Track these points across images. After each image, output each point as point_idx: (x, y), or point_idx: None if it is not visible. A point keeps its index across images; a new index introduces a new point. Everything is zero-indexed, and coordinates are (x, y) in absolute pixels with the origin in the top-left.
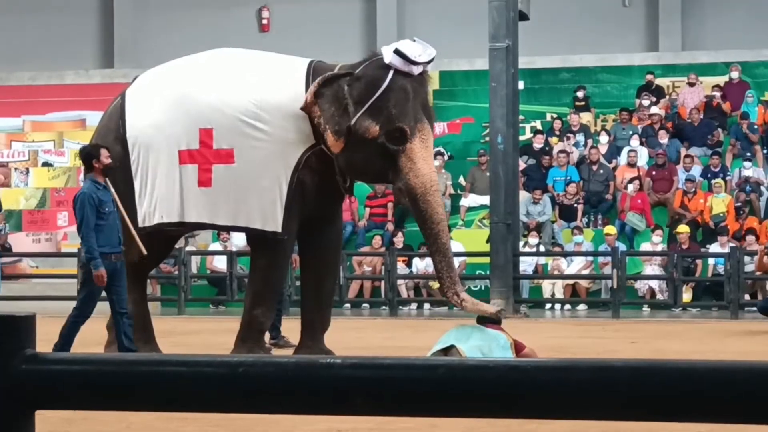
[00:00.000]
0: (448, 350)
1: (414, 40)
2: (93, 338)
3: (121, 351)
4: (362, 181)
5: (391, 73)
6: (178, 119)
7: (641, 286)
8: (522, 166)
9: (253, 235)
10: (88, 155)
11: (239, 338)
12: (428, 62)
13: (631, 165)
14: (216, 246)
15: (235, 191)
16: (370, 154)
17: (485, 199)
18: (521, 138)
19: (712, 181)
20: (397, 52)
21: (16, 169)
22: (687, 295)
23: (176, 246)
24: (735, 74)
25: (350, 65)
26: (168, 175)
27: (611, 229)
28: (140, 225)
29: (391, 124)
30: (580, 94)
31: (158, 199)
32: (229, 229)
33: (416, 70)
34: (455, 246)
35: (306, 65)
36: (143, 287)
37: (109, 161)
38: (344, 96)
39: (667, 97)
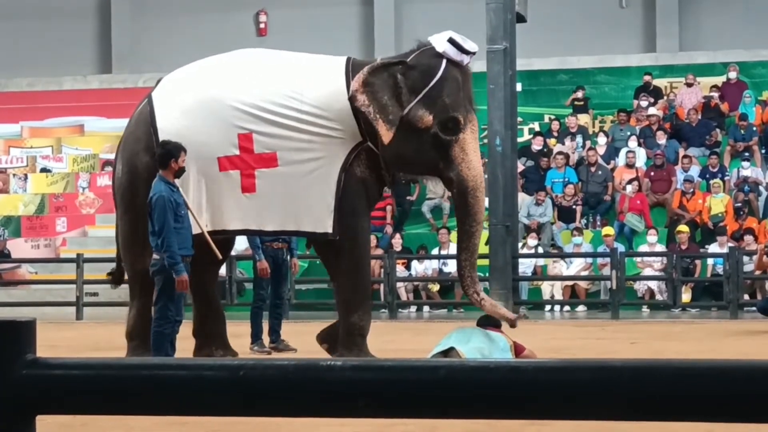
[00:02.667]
0: (447, 352)
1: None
2: (85, 343)
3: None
4: (409, 174)
5: (444, 62)
6: (214, 125)
7: (640, 286)
8: (520, 168)
9: (324, 241)
10: (167, 153)
11: (343, 347)
12: (473, 53)
13: (630, 166)
14: None
15: (281, 195)
16: (422, 145)
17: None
18: (519, 140)
19: (711, 182)
20: (450, 41)
21: (14, 175)
22: (686, 296)
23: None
24: (733, 74)
25: (395, 56)
26: (206, 182)
27: (609, 231)
28: None
29: (445, 114)
30: (579, 94)
31: (195, 207)
32: (277, 234)
33: (466, 59)
34: (454, 248)
35: (344, 62)
36: (150, 296)
37: (184, 164)
38: (398, 84)
39: (665, 97)
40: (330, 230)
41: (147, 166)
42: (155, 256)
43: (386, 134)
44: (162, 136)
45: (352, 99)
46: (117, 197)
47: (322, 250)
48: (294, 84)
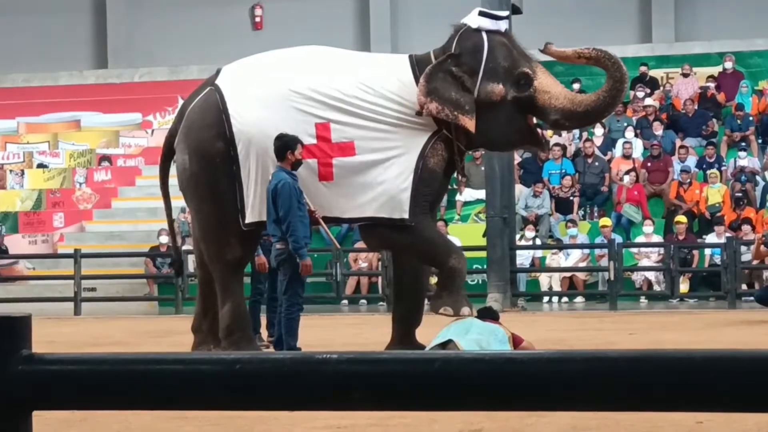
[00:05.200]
0: (446, 345)
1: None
2: (83, 339)
3: (279, 347)
4: (510, 149)
5: (484, 35)
6: (291, 115)
7: (638, 277)
8: (517, 159)
9: (377, 229)
10: (285, 145)
11: (444, 290)
12: (506, 17)
13: (627, 157)
14: None
15: (359, 183)
16: (509, 114)
17: (481, 194)
18: None
19: (708, 172)
20: (482, 13)
21: (11, 171)
22: (684, 286)
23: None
24: (729, 64)
25: (440, 49)
26: None
27: (607, 221)
28: (248, 221)
29: (511, 75)
30: (575, 86)
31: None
32: (354, 221)
33: (503, 25)
34: (451, 240)
35: (407, 57)
36: (242, 286)
37: (301, 157)
38: (457, 75)
39: (661, 88)
40: (407, 216)
41: (221, 152)
42: (278, 245)
43: (470, 124)
44: (235, 123)
45: (424, 112)
46: (189, 189)
47: (381, 239)
48: (365, 76)
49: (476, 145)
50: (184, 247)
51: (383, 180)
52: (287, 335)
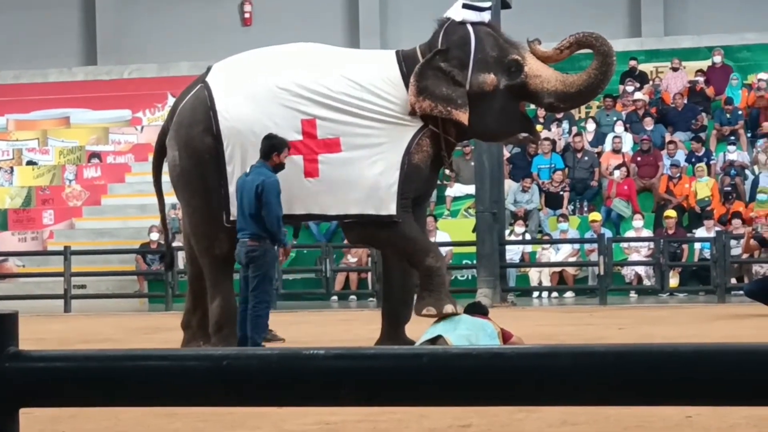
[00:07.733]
0: (435, 340)
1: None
2: (74, 336)
3: (245, 343)
4: (505, 138)
5: (469, 27)
6: (277, 111)
7: (628, 272)
8: (507, 154)
9: (358, 224)
10: (272, 146)
11: (425, 290)
12: (489, 8)
13: (616, 151)
14: None
15: (345, 180)
16: (503, 102)
17: (471, 189)
18: None
19: (696, 166)
20: (465, 6)
21: (0, 168)
22: (674, 281)
23: (161, 242)
24: (718, 58)
25: (426, 45)
26: None
27: (596, 216)
28: (232, 218)
29: (501, 64)
30: None
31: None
32: (340, 218)
33: (486, 16)
34: (441, 236)
35: (393, 53)
36: (231, 281)
37: (285, 161)
38: (446, 70)
39: (651, 82)
40: (394, 212)
41: (209, 148)
42: (250, 242)
43: (463, 117)
44: (222, 120)
45: (417, 112)
46: (179, 184)
47: (364, 236)
48: (352, 72)
49: (470, 136)
50: (174, 244)
51: (369, 176)
52: (255, 332)
